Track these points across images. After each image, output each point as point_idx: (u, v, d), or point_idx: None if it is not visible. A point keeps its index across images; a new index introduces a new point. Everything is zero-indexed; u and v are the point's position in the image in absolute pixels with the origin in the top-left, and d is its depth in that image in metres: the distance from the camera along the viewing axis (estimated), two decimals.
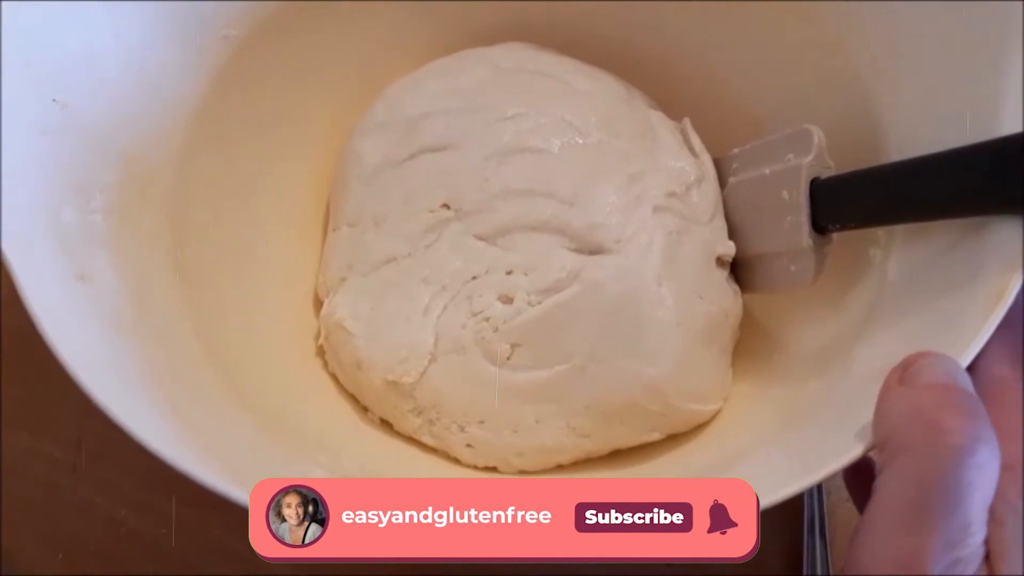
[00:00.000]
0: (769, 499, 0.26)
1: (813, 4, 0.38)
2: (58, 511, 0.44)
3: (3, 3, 0.30)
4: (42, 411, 0.45)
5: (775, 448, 0.33)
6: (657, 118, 0.42)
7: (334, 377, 0.40)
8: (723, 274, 0.40)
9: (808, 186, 0.36)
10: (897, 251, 0.35)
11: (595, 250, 0.37)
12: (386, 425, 0.39)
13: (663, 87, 0.44)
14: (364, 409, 0.39)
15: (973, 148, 0.30)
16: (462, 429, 0.38)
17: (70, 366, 0.26)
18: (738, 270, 0.41)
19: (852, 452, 0.26)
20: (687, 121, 0.42)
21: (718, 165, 0.42)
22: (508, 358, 0.37)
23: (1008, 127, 0.31)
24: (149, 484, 0.43)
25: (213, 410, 0.32)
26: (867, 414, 0.27)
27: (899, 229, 0.35)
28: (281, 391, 0.37)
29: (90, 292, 0.30)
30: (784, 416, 0.35)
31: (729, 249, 0.40)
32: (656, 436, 0.38)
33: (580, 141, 0.39)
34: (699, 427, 0.39)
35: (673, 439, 0.38)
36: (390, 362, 0.37)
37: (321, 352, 0.40)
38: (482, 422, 0.37)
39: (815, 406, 0.34)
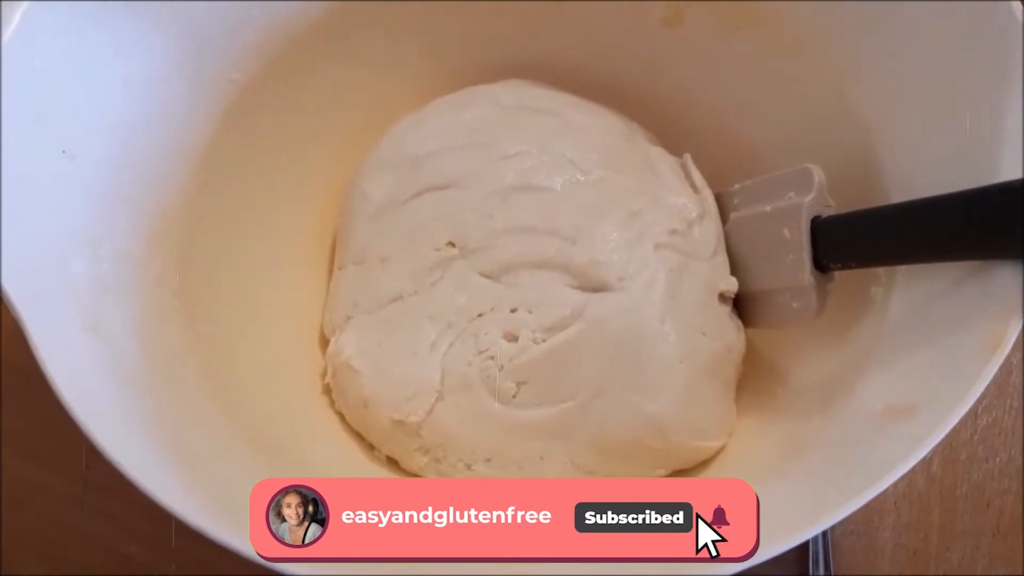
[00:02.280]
0: (774, 547, 0.26)
1: (812, 39, 0.39)
2: (65, 545, 0.44)
3: (10, 54, 0.30)
4: (49, 444, 0.45)
5: (778, 488, 0.33)
6: (657, 154, 0.43)
7: (340, 415, 0.40)
8: (726, 309, 0.40)
9: (809, 225, 0.36)
10: (898, 290, 0.35)
11: (598, 287, 0.38)
12: (393, 463, 0.39)
13: (663, 123, 0.45)
14: (371, 447, 0.40)
15: (974, 192, 0.30)
16: (468, 467, 0.38)
17: (81, 419, 0.27)
18: (740, 305, 0.41)
19: (855, 499, 0.26)
20: (688, 157, 0.43)
21: (719, 200, 0.42)
22: (514, 396, 0.37)
23: (1007, 166, 0.31)
24: (157, 519, 0.43)
25: (221, 454, 0.33)
26: (869, 454, 0.27)
27: (900, 268, 0.35)
28: (288, 430, 0.38)
29: (100, 342, 0.30)
30: (787, 452, 0.35)
31: (731, 285, 0.40)
32: (660, 472, 0.38)
33: (581, 178, 0.40)
34: (703, 463, 0.39)
35: (678, 475, 0.39)
36: (396, 400, 0.38)
37: (327, 390, 0.41)
38: (488, 459, 0.38)
39: (818, 441, 0.34)
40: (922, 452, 0.26)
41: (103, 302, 0.32)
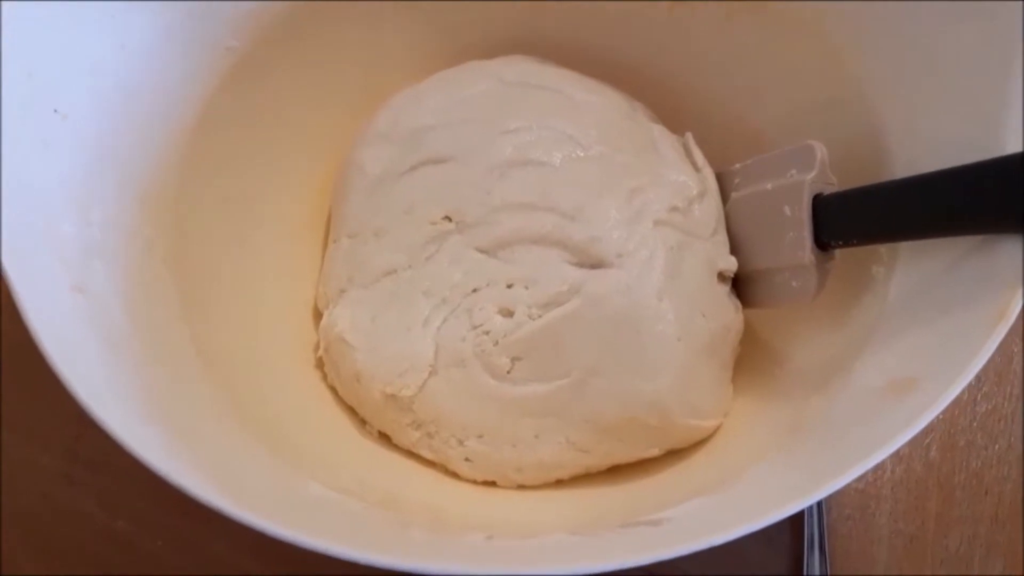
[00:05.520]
0: (768, 517, 0.25)
1: (816, 18, 0.38)
2: (55, 521, 0.44)
3: (4, 11, 0.30)
4: (39, 419, 0.45)
5: (775, 465, 0.32)
6: (659, 132, 0.42)
7: (333, 389, 0.40)
8: (724, 289, 0.40)
9: (810, 202, 0.36)
10: (900, 268, 0.35)
11: (596, 264, 0.37)
12: (384, 438, 0.39)
13: (665, 101, 0.44)
14: (363, 422, 0.39)
15: (976, 167, 0.29)
16: (461, 443, 0.37)
17: (69, 381, 0.26)
18: (739, 285, 0.41)
19: (852, 470, 0.26)
20: (689, 135, 0.42)
21: (720, 179, 0.42)
22: (508, 372, 0.37)
23: (1011, 141, 0.31)
24: (147, 496, 0.43)
25: (211, 424, 0.32)
26: (866, 430, 0.26)
27: (902, 246, 0.35)
28: (280, 404, 0.37)
29: (89, 305, 0.30)
30: (785, 431, 0.35)
31: (731, 264, 0.39)
32: (655, 452, 0.38)
33: (581, 154, 0.39)
34: (699, 442, 0.39)
35: (673, 455, 0.38)
36: (389, 375, 0.37)
37: (320, 364, 0.40)
38: (481, 436, 0.37)
39: (815, 421, 0.33)
40: (922, 423, 0.26)
41: (91, 265, 0.31)
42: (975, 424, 0.44)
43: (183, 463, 0.27)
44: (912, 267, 0.34)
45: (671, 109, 0.44)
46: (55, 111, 0.31)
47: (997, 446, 0.43)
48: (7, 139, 0.29)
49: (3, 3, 0.29)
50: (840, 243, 0.35)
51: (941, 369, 0.27)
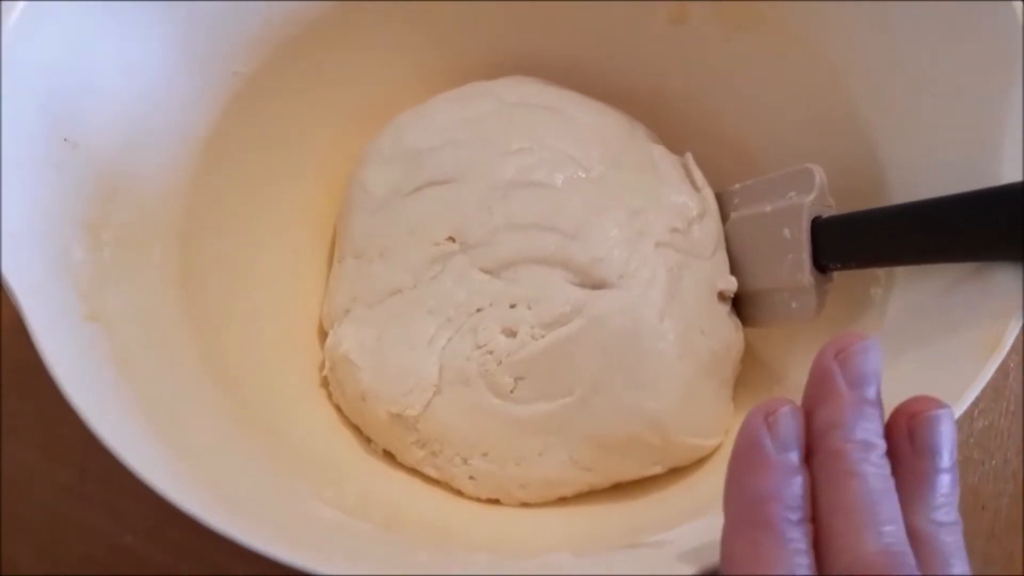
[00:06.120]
0: None
1: (815, 40, 0.39)
2: (63, 535, 0.44)
3: (17, 46, 0.30)
4: (47, 432, 0.45)
5: None
6: (659, 152, 0.43)
7: (338, 408, 0.40)
8: (725, 308, 0.40)
9: (809, 225, 0.36)
10: (897, 290, 0.35)
11: (598, 284, 0.38)
12: (389, 456, 0.39)
13: (665, 121, 0.45)
14: (368, 440, 0.40)
15: (973, 195, 0.30)
16: (465, 461, 0.38)
17: (81, 409, 0.27)
18: (739, 304, 0.41)
19: None
20: (689, 156, 0.43)
21: (719, 199, 0.42)
22: (511, 391, 0.37)
23: (1008, 167, 0.32)
24: (155, 510, 0.43)
25: (219, 444, 0.33)
26: None
27: (900, 269, 0.35)
28: (286, 422, 0.38)
29: (100, 331, 0.30)
30: None
31: (731, 284, 0.40)
32: (658, 469, 0.38)
33: (583, 175, 0.40)
34: (701, 460, 0.39)
35: (676, 472, 0.39)
36: (394, 394, 0.38)
37: (325, 383, 0.41)
38: (485, 454, 0.38)
39: None
40: None
41: (104, 291, 0.32)
42: (972, 440, 0.44)
43: (191, 486, 0.28)
44: (909, 289, 0.35)
45: (669, 129, 0.45)
46: (65, 140, 0.32)
47: (994, 461, 0.44)
48: (19, 170, 0.30)
49: (16, 39, 0.30)
50: (838, 266, 0.36)
51: (935, 393, 0.27)
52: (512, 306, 0.38)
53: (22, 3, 0.30)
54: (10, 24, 0.30)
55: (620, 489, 0.39)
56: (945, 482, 0.24)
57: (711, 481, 0.38)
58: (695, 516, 0.34)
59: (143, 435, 0.29)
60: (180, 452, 0.29)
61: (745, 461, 0.24)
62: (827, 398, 0.24)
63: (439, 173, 0.41)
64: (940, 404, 0.24)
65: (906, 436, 0.24)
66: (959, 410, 0.27)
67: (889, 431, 0.24)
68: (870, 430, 0.24)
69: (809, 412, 0.24)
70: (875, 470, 0.23)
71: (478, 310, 0.38)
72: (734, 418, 0.40)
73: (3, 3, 0.30)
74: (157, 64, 0.36)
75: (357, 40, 0.42)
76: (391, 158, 0.42)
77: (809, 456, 0.24)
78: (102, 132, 0.34)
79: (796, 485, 0.23)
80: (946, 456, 0.24)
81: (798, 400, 0.36)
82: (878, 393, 0.24)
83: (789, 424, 0.24)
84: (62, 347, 0.28)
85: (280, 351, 0.41)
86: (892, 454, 0.24)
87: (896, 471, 0.23)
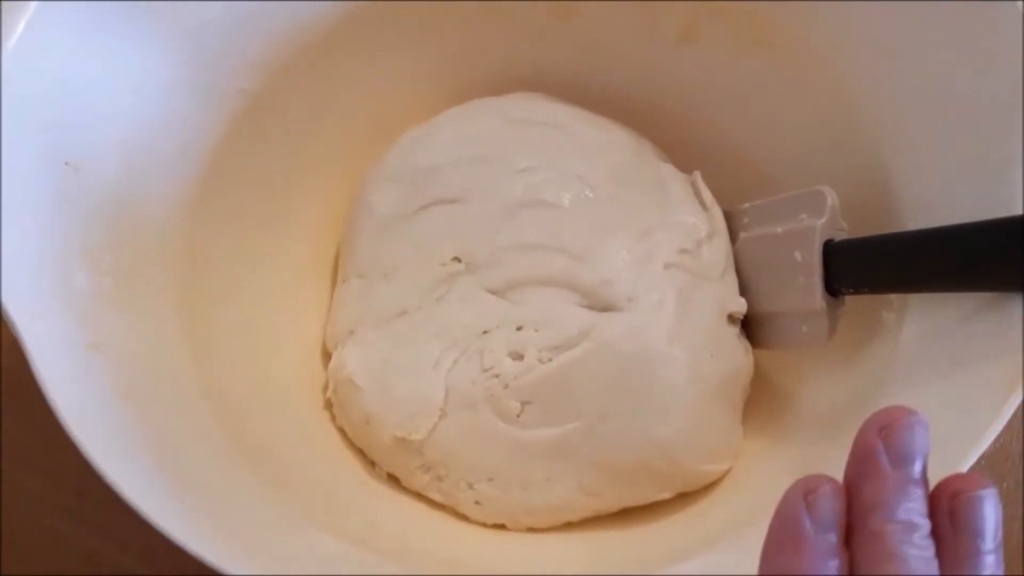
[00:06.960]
0: None
1: (826, 63, 0.38)
2: (63, 559, 0.43)
3: (18, 68, 0.30)
4: (45, 454, 0.45)
5: None
6: (668, 171, 0.42)
7: (342, 431, 0.40)
8: (734, 331, 0.40)
9: (821, 248, 0.36)
10: (911, 317, 0.35)
11: (606, 307, 0.37)
12: (393, 480, 0.39)
13: (673, 140, 0.44)
14: (372, 464, 0.39)
15: (990, 224, 0.29)
16: (471, 486, 0.37)
17: (81, 440, 0.26)
18: (749, 326, 0.41)
19: None
20: (698, 174, 0.42)
21: (728, 218, 0.42)
22: (518, 415, 0.37)
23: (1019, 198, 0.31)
24: (153, 533, 0.42)
25: (220, 474, 0.32)
26: None
27: (914, 295, 0.35)
28: (289, 447, 0.37)
29: (100, 359, 0.30)
30: (795, 475, 0.35)
31: (740, 307, 0.39)
32: (666, 495, 0.38)
33: (590, 195, 0.39)
34: (710, 485, 0.39)
35: (684, 497, 0.38)
36: (399, 418, 0.37)
37: (329, 405, 0.40)
38: (491, 479, 0.37)
39: (826, 468, 0.33)
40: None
41: (106, 319, 0.31)
42: (983, 463, 0.43)
43: (192, 519, 0.27)
44: (924, 316, 0.34)
45: (678, 147, 0.44)
46: (66, 164, 0.31)
47: (1005, 484, 0.43)
48: (20, 194, 0.29)
49: (16, 62, 0.29)
50: (851, 291, 0.35)
51: (953, 435, 0.27)
52: (519, 328, 0.37)
53: (22, 25, 0.30)
54: (10, 46, 0.30)
55: (628, 514, 0.38)
56: (989, 563, 0.22)
57: (720, 506, 0.37)
58: (705, 545, 0.33)
59: (143, 466, 0.28)
60: (181, 484, 0.29)
61: (781, 539, 0.23)
62: (869, 476, 0.23)
63: (445, 191, 0.40)
64: (984, 484, 0.23)
65: (947, 515, 0.23)
66: (978, 451, 0.26)
67: (930, 508, 0.23)
68: (913, 510, 0.22)
69: (850, 489, 0.23)
70: (917, 552, 0.22)
71: (484, 332, 0.38)
72: (743, 442, 0.40)
73: (3, 26, 0.29)
74: (160, 85, 0.35)
75: (362, 60, 0.42)
76: (397, 176, 0.42)
77: (849, 535, 0.23)
78: (104, 156, 0.33)
79: (833, 568, 0.22)
80: (989, 539, 0.23)
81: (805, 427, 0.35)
82: (924, 470, 0.23)
83: (829, 504, 0.23)
84: (62, 376, 0.27)
85: (283, 374, 0.40)
86: (933, 531, 0.23)
87: (937, 550, 0.22)
